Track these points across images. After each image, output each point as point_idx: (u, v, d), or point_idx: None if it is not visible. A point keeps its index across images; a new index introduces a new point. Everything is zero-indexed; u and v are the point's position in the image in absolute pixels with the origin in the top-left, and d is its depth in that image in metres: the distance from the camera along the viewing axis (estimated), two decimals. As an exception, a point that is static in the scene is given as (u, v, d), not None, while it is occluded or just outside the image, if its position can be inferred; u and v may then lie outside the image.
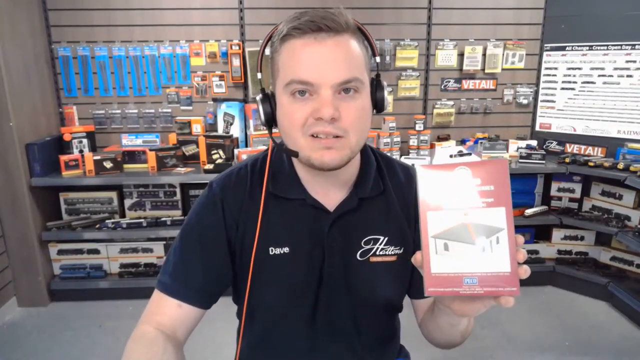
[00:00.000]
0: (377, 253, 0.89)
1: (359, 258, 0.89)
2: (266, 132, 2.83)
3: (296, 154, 0.81)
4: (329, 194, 0.89)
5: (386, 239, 0.90)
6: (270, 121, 0.85)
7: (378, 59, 0.86)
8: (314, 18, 0.75)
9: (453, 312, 0.67)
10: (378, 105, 0.84)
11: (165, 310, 0.85)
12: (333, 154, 0.78)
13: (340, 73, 0.75)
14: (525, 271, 0.60)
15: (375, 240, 0.89)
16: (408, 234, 0.92)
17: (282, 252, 0.87)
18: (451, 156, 2.90)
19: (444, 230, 0.62)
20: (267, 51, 0.84)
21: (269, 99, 0.84)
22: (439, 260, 0.62)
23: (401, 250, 0.91)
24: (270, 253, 0.87)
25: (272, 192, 0.88)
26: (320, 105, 0.75)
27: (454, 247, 0.61)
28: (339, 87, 0.76)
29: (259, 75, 0.87)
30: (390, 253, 0.90)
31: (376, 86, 0.84)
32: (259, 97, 0.85)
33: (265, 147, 0.93)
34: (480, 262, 0.60)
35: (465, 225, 0.61)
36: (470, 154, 2.88)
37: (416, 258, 0.64)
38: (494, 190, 0.61)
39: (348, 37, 0.77)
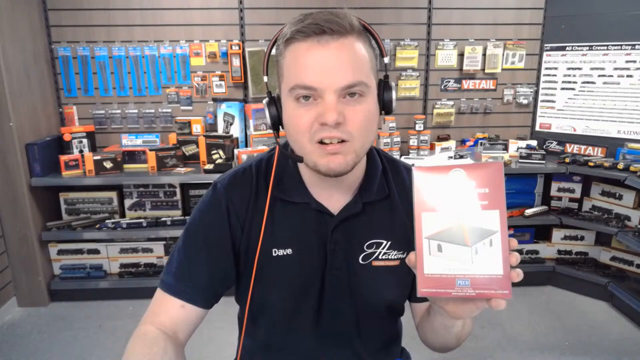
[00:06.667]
0: (380, 257, 0.89)
1: (361, 262, 0.89)
2: (266, 132, 2.87)
3: (301, 159, 0.80)
4: (333, 198, 0.88)
5: (389, 243, 0.89)
6: (277, 125, 0.84)
7: (387, 59, 0.84)
8: (317, 21, 0.73)
9: (447, 314, 0.67)
10: (385, 107, 0.83)
11: (168, 310, 0.85)
12: (339, 160, 0.77)
13: (344, 77, 0.73)
14: (518, 275, 0.60)
15: (378, 245, 0.89)
16: (412, 238, 0.92)
17: (285, 253, 0.87)
18: (450, 158, 2.91)
19: (438, 232, 0.62)
20: (274, 51, 0.83)
21: (275, 103, 0.83)
22: (433, 261, 0.62)
23: (404, 255, 0.90)
24: (274, 254, 0.87)
25: (277, 195, 0.88)
26: (325, 110, 0.73)
27: (447, 249, 0.62)
28: (344, 92, 0.74)
29: (265, 79, 0.86)
30: (393, 257, 0.90)
31: (384, 88, 0.82)
32: (265, 100, 0.84)
33: (265, 147, 0.92)
34: (473, 264, 0.60)
35: (459, 227, 0.61)
36: (466, 156, 2.88)
37: (410, 259, 0.65)
38: (488, 192, 0.61)
39: (353, 39, 0.75)
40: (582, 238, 3.04)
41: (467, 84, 3.18)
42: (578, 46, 3.01)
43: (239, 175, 0.91)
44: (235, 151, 2.77)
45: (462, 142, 3.23)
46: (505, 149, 3.05)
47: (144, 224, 2.79)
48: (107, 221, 2.80)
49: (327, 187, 0.87)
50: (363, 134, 0.77)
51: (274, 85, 0.85)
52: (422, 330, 0.95)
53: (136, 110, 3.03)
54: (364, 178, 0.90)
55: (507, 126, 3.27)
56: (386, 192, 0.91)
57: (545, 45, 3.14)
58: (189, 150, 2.94)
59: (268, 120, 0.85)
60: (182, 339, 0.85)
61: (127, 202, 2.93)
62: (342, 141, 0.76)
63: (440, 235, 0.62)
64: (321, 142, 0.76)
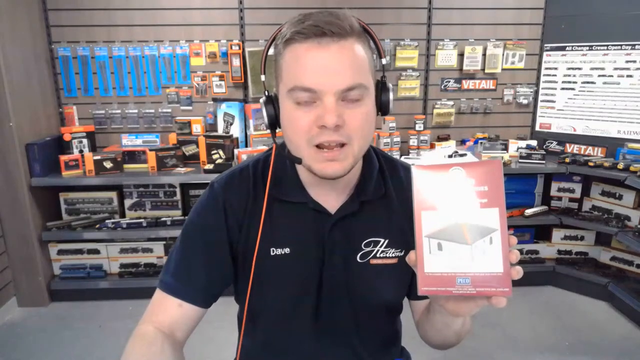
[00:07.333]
0: (378, 255, 0.89)
1: (359, 260, 0.89)
2: (266, 132, 2.87)
3: (299, 161, 0.80)
4: (331, 197, 0.88)
5: (387, 241, 0.89)
6: (274, 124, 0.84)
7: (384, 61, 0.84)
8: (317, 22, 0.73)
9: (447, 312, 0.67)
10: (383, 108, 0.83)
11: (166, 309, 0.85)
12: (335, 167, 0.77)
13: (344, 79, 0.73)
14: (518, 272, 0.60)
15: (376, 243, 0.89)
16: (409, 236, 0.92)
17: (282, 252, 0.87)
18: (449, 156, 2.90)
19: (438, 230, 0.62)
20: (272, 51, 0.83)
21: (273, 102, 0.83)
22: (433, 259, 0.62)
23: (402, 253, 0.90)
24: (272, 254, 0.87)
25: (275, 195, 0.88)
26: (324, 112, 0.73)
27: (447, 247, 0.62)
28: (343, 94, 0.74)
29: (263, 78, 0.86)
30: (390, 255, 0.90)
31: (381, 89, 0.82)
32: (262, 99, 0.84)
33: (265, 148, 0.92)
34: (474, 262, 0.61)
35: (459, 225, 0.61)
36: (466, 154, 2.88)
37: (410, 257, 0.65)
38: (488, 190, 0.61)
39: (353, 41, 0.75)
40: (582, 238, 3.04)
41: (467, 84, 3.18)
42: (578, 46, 3.01)
43: (236, 175, 0.91)
44: (235, 151, 2.77)
45: (462, 142, 3.23)
46: (505, 149, 3.05)
47: (144, 224, 2.79)
48: (107, 221, 2.80)
49: (324, 187, 0.87)
50: (362, 137, 0.77)
51: (273, 85, 0.85)
52: (422, 327, 0.95)
53: (136, 110, 3.03)
54: (361, 177, 0.90)
55: (507, 126, 3.27)
56: (383, 190, 0.91)
57: (545, 45, 3.14)
58: (189, 150, 2.94)
59: (265, 119, 0.84)
60: (181, 338, 0.86)
61: (127, 202, 2.93)
62: (341, 145, 0.76)
63: (441, 234, 0.62)
64: (319, 147, 0.76)
